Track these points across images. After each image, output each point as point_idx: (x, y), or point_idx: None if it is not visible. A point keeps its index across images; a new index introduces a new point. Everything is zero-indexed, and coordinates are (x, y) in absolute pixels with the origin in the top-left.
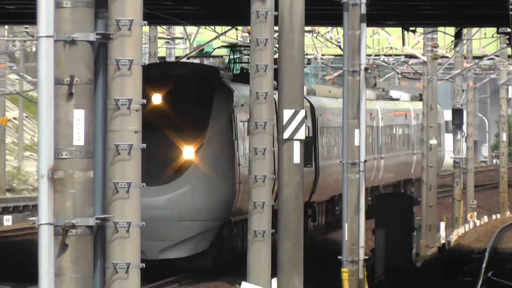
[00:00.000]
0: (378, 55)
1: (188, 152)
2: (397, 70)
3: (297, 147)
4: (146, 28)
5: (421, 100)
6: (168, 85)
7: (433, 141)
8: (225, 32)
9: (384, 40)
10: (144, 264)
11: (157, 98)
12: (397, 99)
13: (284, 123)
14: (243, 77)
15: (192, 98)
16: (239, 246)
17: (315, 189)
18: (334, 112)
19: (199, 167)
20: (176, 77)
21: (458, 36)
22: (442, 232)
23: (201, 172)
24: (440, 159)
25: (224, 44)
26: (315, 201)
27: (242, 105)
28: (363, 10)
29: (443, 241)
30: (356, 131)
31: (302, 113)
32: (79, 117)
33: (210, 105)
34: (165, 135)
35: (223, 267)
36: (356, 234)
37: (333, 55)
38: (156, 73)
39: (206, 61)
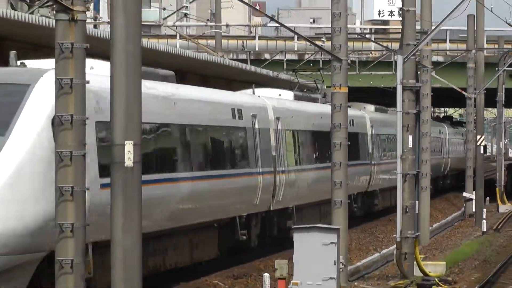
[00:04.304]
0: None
1: None
2: None
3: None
4: None
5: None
6: None
7: None
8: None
9: None
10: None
11: None
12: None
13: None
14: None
15: None
16: None
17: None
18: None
19: None
20: None
21: None
22: None
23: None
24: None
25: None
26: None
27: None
28: (503, 101)
29: None
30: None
31: (483, 137)
32: (411, 138)
33: None
34: None
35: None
36: (501, 176)
37: (493, 117)
38: None
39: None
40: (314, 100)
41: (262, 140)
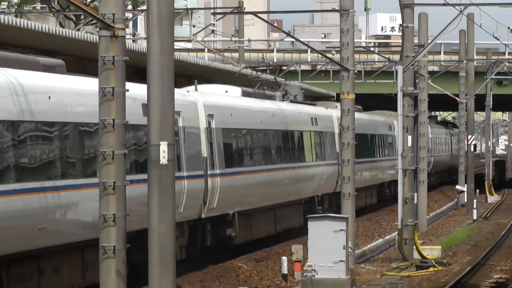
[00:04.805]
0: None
1: None
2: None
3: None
4: None
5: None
6: None
7: None
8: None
9: (500, 114)
10: None
11: None
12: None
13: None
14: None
15: None
16: None
17: None
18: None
19: None
20: None
21: None
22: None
23: None
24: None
25: None
26: None
27: None
28: (491, 106)
29: None
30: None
31: (473, 137)
32: (410, 138)
33: None
34: None
35: None
36: (489, 171)
37: (482, 119)
38: None
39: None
40: (270, 97)
41: (187, 141)
